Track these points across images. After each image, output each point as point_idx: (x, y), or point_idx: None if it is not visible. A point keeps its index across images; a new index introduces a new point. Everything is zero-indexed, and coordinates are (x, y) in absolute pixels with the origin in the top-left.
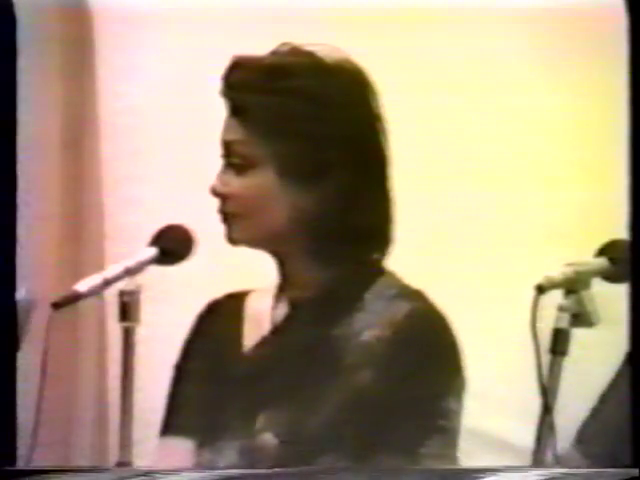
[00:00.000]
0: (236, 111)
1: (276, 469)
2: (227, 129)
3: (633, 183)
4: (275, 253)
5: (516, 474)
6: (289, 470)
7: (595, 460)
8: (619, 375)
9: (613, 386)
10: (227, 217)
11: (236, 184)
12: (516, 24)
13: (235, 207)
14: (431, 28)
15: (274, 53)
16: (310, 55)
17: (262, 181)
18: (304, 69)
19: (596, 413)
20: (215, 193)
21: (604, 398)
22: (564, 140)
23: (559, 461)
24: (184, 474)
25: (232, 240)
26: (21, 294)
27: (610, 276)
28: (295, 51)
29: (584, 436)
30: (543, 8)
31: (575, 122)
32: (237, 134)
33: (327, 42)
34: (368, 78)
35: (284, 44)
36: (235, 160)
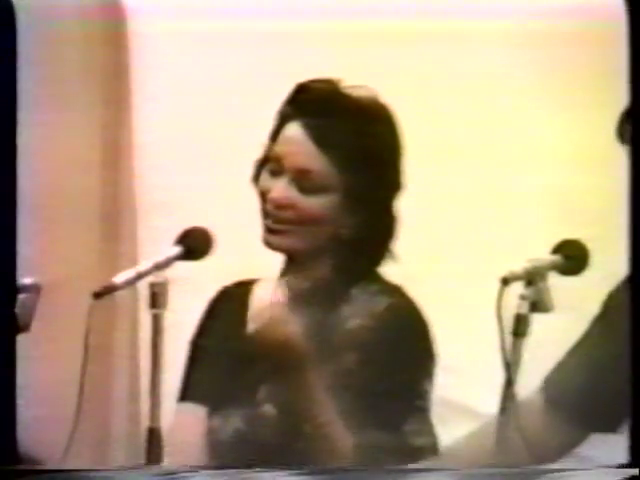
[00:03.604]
0: (317, 139)
1: (295, 468)
2: (303, 155)
3: (633, 182)
4: (290, 252)
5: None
6: (297, 470)
7: (556, 407)
8: (587, 334)
9: (581, 343)
10: (278, 226)
11: (300, 202)
12: (514, 23)
13: (292, 220)
14: (432, 44)
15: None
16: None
17: (328, 204)
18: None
19: (561, 365)
20: (276, 205)
21: (571, 352)
22: (561, 140)
23: (521, 408)
24: (203, 472)
25: (271, 245)
26: (28, 280)
27: (563, 270)
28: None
29: (548, 384)
30: (543, 8)
31: (574, 122)
32: (316, 162)
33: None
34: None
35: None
36: (306, 184)
